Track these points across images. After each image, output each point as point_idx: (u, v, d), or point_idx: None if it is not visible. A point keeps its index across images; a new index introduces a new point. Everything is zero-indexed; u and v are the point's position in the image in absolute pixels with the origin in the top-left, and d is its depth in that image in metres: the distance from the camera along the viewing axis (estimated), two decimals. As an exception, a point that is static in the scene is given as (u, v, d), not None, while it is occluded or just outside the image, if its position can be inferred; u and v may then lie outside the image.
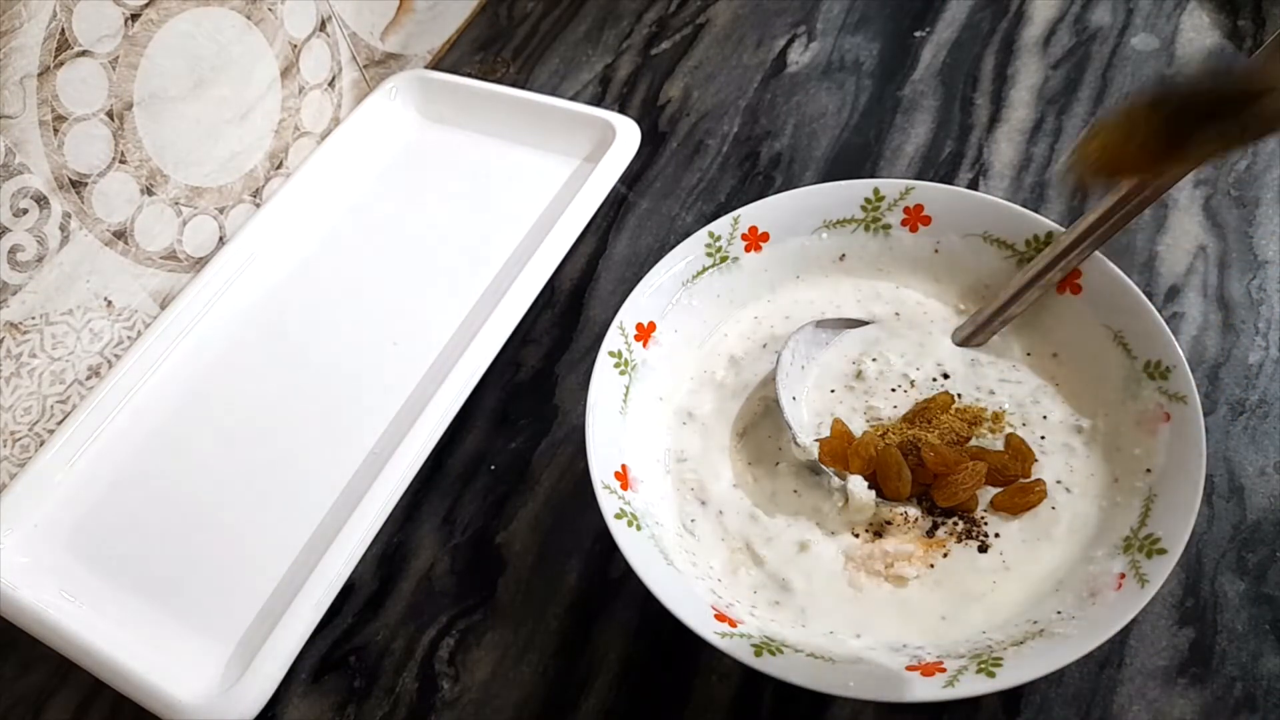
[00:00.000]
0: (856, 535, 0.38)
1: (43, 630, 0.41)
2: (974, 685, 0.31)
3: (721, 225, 0.44)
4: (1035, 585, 0.36)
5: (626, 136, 0.56)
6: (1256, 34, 0.56)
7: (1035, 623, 0.34)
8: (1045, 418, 0.40)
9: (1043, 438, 0.39)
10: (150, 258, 0.52)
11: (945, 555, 0.37)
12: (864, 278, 0.45)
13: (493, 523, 0.45)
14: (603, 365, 0.40)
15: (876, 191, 0.44)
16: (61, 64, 0.44)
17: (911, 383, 0.42)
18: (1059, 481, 0.38)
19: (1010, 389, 0.41)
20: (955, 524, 0.37)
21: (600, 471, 0.38)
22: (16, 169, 0.44)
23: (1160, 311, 0.38)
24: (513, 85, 0.62)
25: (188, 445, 0.49)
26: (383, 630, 0.42)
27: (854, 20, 0.63)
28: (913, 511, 0.38)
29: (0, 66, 0.42)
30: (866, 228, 0.45)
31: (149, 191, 0.51)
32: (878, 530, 0.38)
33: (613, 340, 0.41)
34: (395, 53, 0.65)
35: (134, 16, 0.47)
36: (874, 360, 0.42)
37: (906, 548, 0.37)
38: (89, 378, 0.50)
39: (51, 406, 0.49)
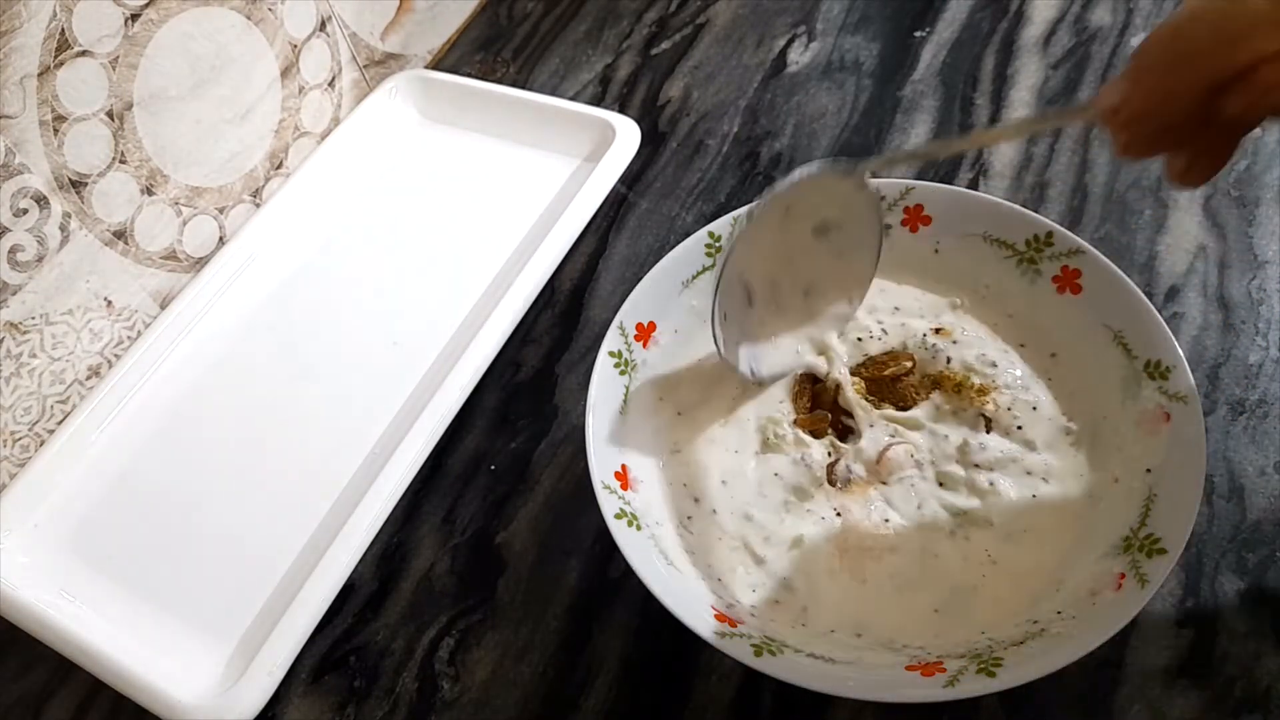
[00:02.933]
0: (840, 515, 0.38)
1: (43, 630, 0.41)
2: (974, 685, 0.31)
3: (721, 225, 0.44)
4: (1035, 585, 0.36)
5: (626, 136, 0.56)
6: (1256, 34, 0.55)
7: (1035, 623, 0.34)
8: (1035, 409, 0.40)
9: (1034, 440, 0.39)
10: (150, 258, 0.52)
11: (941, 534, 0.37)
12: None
13: (493, 523, 0.45)
14: (603, 365, 0.40)
15: (877, 191, 0.44)
16: (61, 64, 0.44)
17: (885, 332, 0.43)
18: (1058, 481, 0.38)
19: (1003, 375, 0.41)
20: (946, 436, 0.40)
21: (600, 471, 0.38)
22: (16, 169, 0.44)
23: (1160, 311, 0.38)
24: (513, 85, 0.62)
25: (187, 445, 0.49)
26: (383, 630, 0.42)
27: (854, 20, 0.63)
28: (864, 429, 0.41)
29: (0, 66, 0.42)
30: (867, 228, 0.45)
31: (149, 191, 0.51)
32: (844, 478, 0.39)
33: (613, 340, 0.41)
34: (395, 53, 0.65)
35: (134, 16, 0.47)
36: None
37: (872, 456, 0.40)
38: (89, 378, 0.50)
39: (51, 406, 0.49)
